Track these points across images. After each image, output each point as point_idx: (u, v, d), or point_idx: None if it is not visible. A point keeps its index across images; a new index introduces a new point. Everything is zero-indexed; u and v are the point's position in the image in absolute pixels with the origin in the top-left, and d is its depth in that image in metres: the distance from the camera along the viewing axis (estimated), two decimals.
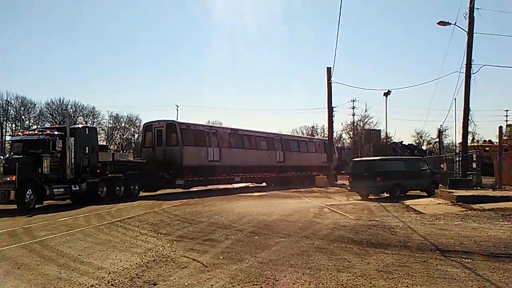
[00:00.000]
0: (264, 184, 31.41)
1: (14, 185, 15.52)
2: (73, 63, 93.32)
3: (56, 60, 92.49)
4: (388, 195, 19.18)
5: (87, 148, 19.10)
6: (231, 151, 27.69)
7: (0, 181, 15.60)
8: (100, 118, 64.05)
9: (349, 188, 21.57)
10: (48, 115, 61.02)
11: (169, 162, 23.45)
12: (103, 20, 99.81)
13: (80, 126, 20.75)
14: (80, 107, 62.45)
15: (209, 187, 26.93)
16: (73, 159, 18.12)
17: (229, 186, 29.04)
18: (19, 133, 19.68)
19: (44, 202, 17.28)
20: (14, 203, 15.75)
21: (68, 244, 8.74)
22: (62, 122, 54.03)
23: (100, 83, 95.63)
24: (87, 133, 19.79)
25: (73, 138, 18.17)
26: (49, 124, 54.74)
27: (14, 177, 15.54)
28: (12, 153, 17.62)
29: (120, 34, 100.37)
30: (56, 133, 17.82)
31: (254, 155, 29.37)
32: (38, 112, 60.73)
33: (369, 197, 19.25)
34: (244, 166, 28.33)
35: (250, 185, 30.97)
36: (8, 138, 57.96)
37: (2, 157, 16.51)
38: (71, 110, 61.36)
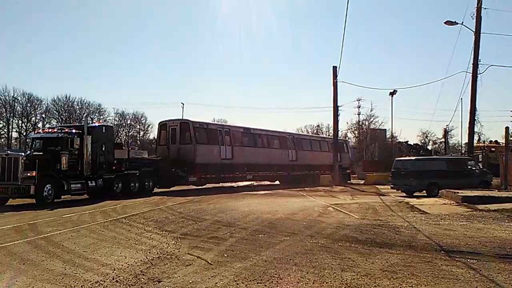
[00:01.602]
0: (277, 182, 31.51)
1: (34, 181, 16.18)
2: (75, 61, 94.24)
3: (57, 58, 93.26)
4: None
5: (103, 145, 19.87)
6: (244, 149, 27.86)
7: (21, 176, 16.19)
8: (106, 115, 64.32)
9: (392, 185, 21.78)
10: (55, 111, 61.18)
11: (182, 159, 23.85)
12: (105, 20, 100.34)
13: (97, 124, 21.56)
14: (86, 104, 62.65)
15: (220, 184, 27.19)
16: (90, 156, 18.84)
17: (234, 184, 29.08)
18: (39, 130, 20.39)
19: (61, 197, 17.87)
20: (33, 198, 16.40)
21: (73, 240, 8.79)
22: (68, 119, 54.30)
23: (100, 81, 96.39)
24: (104, 131, 20.55)
25: (90, 136, 18.82)
26: (56, 121, 55.10)
27: (34, 172, 16.26)
28: (32, 150, 18.23)
29: (122, 33, 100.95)
30: (74, 131, 18.51)
31: (266, 154, 29.50)
32: (44, 108, 61.00)
33: (413, 194, 19.70)
34: (256, 164, 28.51)
35: (255, 183, 30.98)
36: (15, 135, 58.50)
37: (23, 154, 17.07)
38: (77, 107, 61.60)
